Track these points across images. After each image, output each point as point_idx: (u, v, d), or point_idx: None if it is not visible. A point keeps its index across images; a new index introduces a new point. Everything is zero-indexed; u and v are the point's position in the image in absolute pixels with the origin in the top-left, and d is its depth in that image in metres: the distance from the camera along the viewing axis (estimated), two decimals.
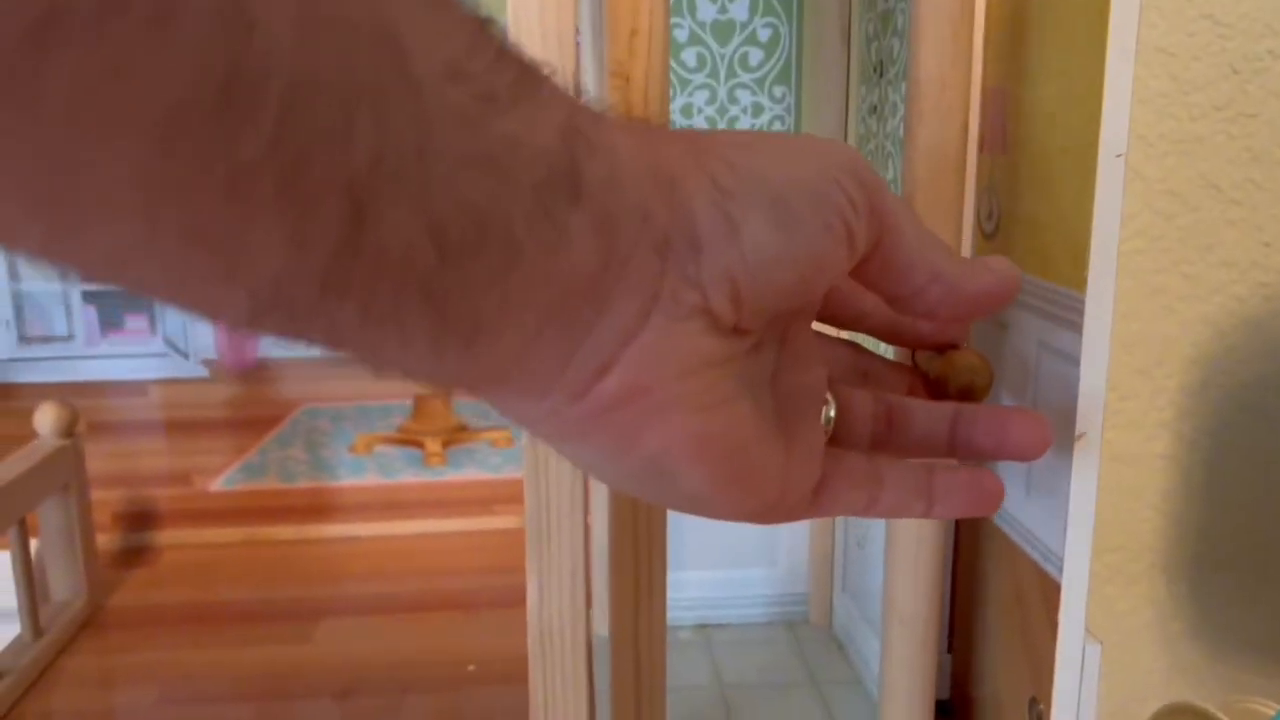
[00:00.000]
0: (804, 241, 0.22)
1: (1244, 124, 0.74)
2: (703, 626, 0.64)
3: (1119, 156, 0.39)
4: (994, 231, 0.65)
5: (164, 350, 0.65)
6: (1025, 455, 0.30)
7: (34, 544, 0.59)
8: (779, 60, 0.63)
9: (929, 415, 0.30)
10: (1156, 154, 0.73)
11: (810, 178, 0.22)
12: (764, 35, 0.63)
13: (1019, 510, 0.56)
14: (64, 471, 0.58)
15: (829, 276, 0.23)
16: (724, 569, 0.65)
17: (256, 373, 0.66)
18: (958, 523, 0.69)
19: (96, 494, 0.66)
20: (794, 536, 0.66)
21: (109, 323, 0.64)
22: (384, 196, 0.16)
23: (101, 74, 0.13)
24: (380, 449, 0.68)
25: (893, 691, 0.44)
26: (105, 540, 0.71)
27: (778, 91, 0.63)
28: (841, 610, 0.64)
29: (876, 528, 0.58)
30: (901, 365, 0.30)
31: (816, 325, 0.29)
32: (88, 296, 0.64)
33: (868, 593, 0.61)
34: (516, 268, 0.18)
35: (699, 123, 0.62)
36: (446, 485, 0.71)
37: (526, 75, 0.18)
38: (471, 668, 0.66)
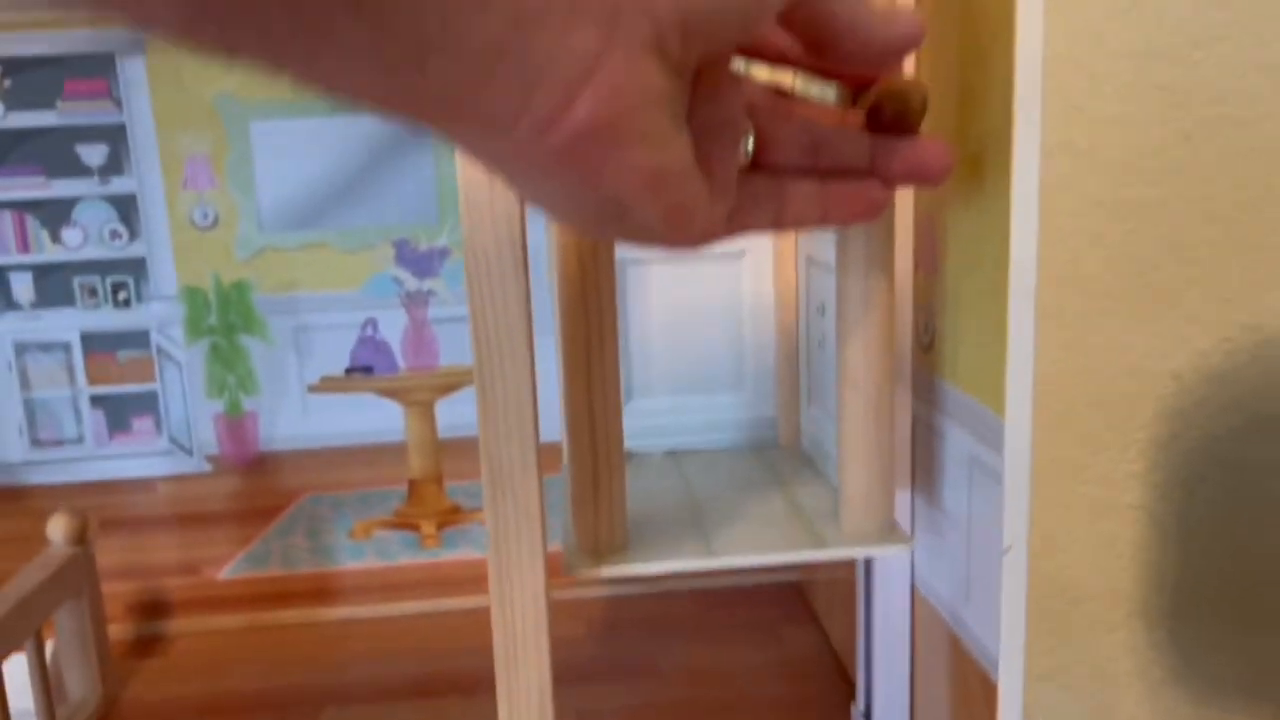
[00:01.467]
0: None
1: (1200, 187, 0.77)
2: (673, 453, 0.64)
3: (1028, 288, 0.41)
4: (929, 345, 0.68)
5: (169, 448, 0.68)
6: (932, 178, 0.34)
7: (49, 646, 0.62)
8: None
9: (851, 144, 0.33)
10: (1118, 218, 0.76)
11: None
12: None
13: (963, 613, 0.57)
14: (77, 578, 0.61)
15: (765, 20, 0.25)
16: (693, 395, 0.64)
17: (257, 465, 0.69)
18: (911, 617, 0.71)
19: (109, 587, 0.69)
20: (760, 360, 0.65)
21: (116, 425, 0.68)
22: None
23: None
24: (378, 533, 0.70)
25: (850, 455, 0.45)
26: (119, 630, 0.74)
27: None
28: (809, 426, 0.63)
29: (832, 326, 0.57)
30: (827, 106, 0.34)
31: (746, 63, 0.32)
32: (95, 401, 0.67)
33: (833, 401, 0.60)
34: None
35: None
36: (442, 565, 0.73)
37: None
38: None
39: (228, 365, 0.67)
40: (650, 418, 0.61)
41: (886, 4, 0.31)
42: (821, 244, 0.62)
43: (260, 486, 0.69)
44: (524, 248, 0.41)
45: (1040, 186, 0.67)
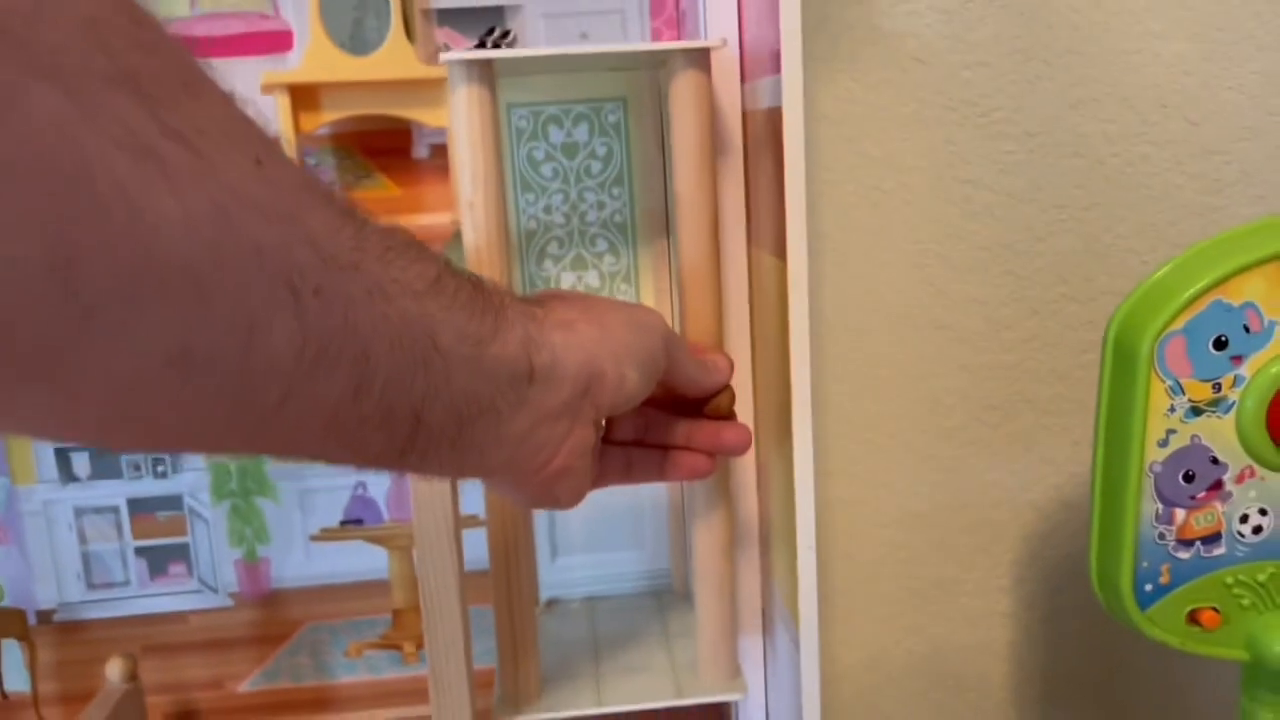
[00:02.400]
0: (650, 382, 0.42)
1: (1048, 352, 0.95)
2: (589, 599, 0.80)
3: (809, 550, 0.56)
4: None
5: (199, 588, 0.83)
6: (732, 449, 0.50)
7: None
8: (614, 169, 0.78)
9: (671, 425, 0.50)
10: (979, 379, 0.94)
11: (656, 344, 0.42)
12: (600, 151, 0.78)
13: None
14: (131, 711, 0.76)
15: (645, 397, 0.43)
16: (604, 552, 0.81)
17: (270, 600, 0.84)
18: None
19: (151, 699, 0.84)
20: (658, 525, 0.82)
21: (156, 570, 0.83)
22: (430, 408, 0.31)
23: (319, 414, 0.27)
24: (368, 653, 0.85)
25: (702, 622, 0.61)
26: None
27: (615, 191, 0.80)
28: (691, 580, 0.78)
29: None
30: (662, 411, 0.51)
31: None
32: (139, 551, 0.83)
33: None
34: (499, 423, 0.35)
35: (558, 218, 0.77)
36: (420, 678, 0.88)
37: (498, 314, 0.33)
38: None
39: (246, 521, 0.83)
40: (571, 571, 0.78)
41: (706, 360, 0.48)
42: None
43: (272, 617, 0.84)
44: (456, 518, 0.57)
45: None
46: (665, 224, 0.73)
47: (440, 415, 0.32)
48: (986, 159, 0.81)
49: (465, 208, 0.54)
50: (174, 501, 0.82)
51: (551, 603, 0.78)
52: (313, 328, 0.24)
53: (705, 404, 0.49)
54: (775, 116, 0.51)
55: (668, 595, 0.79)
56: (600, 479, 0.48)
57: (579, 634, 0.71)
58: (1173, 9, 0.79)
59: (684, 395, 0.49)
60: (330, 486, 0.83)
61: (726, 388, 0.50)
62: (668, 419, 0.50)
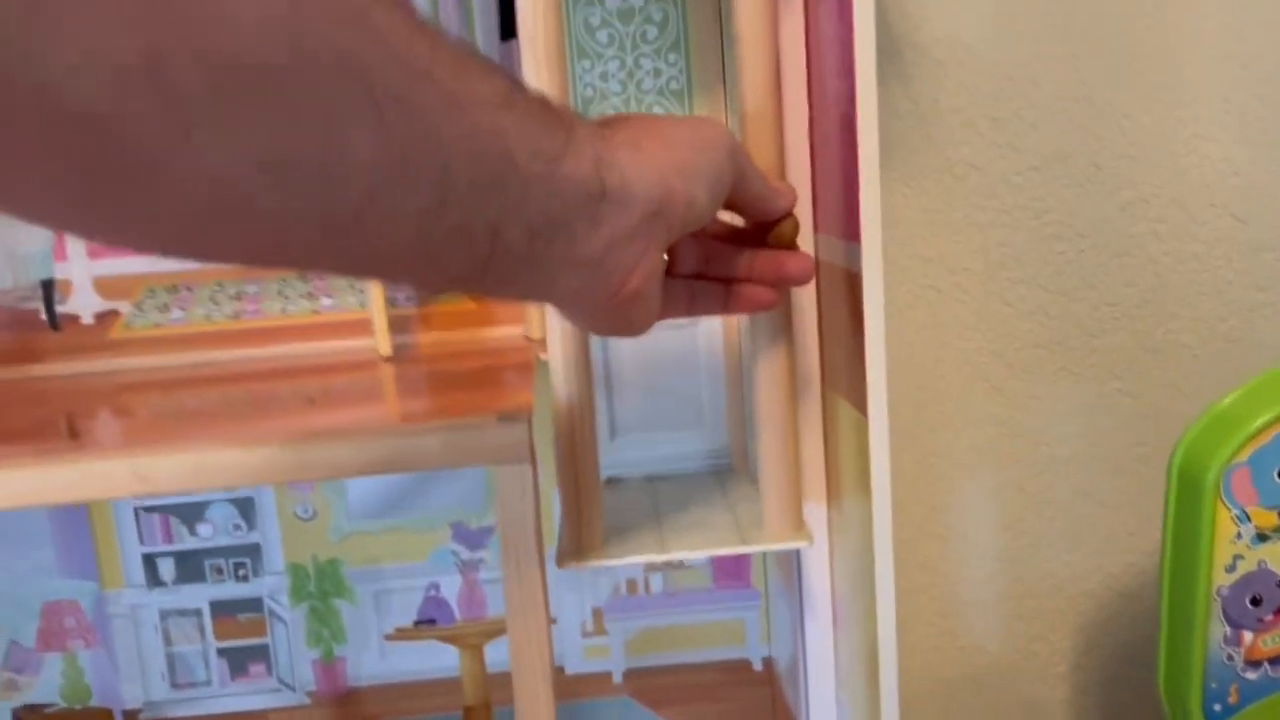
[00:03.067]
0: (718, 199, 0.42)
1: (1103, 445, 0.95)
2: (650, 478, 0.81)
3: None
4: None
5: (278, 687, 0.86)
6: (794, 279, 0.49)
7: None
8: (670, 35, 0.78)
9: (735, 257, 0.49)
10: (1035, 473, 0.95)
11: (722, 160, 0.40)
12: (657, 16, 0.78)
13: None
14: None
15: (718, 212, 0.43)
16: (663, 431, 0.81)
17: (347, 698, 0.87)
18: None
19: None
20: (715, 402, 0.83)
21: (237, 670, 0.86)
22: (507, 225, 0.31)
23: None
24: None
25: (767, 475, 0.61)
26: None
27: (671, 57, 0.80)
28: (752, 454, 0.78)
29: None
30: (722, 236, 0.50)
31: None
32: (221, 652, 0.86)
33: None
34: (573, 244, 0.34)
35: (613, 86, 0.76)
36: None
37: (569, 132, 0.33)
38: None
39: (323, 622, 0.86)
40: (630, 450, 0.79)
41: (774, 182, 0.49)
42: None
43: (348, 714, 0.87)
44: (539, 534, 0.59)
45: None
46: (723, 92, 0.73)
47: (517, 234, 0.32)
48: (1039, 259, 0.83)
49: (529, 73, 0.53)
50: (255, 604, 0.85)
51: (611, 481, 0.79)
52: (395, 135, 0.25)
53: (768, 234, 0.49)
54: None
55: (728, 473, 0.80)
56: (665, 311, 0.45)
57: (641, 503, 0.72)
58: (1220, 114, 0.81)
59: (749, 216, 0.48)
60: (405, 587, 0.86)
61: (790, 215, 0.49)
62: (730, 250, 0.49)
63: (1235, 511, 0.51)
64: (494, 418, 0.54)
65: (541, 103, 0.32)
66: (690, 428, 0.80)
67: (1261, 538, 0.52)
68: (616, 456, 0.79)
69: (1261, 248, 0.83)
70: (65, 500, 0.56)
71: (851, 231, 0.51)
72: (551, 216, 0.32)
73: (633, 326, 0.41)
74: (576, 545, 0.62)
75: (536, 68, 0.51)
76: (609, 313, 0.39)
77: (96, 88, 0.18)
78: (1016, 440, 0.88)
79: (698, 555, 0.64)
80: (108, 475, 0.53)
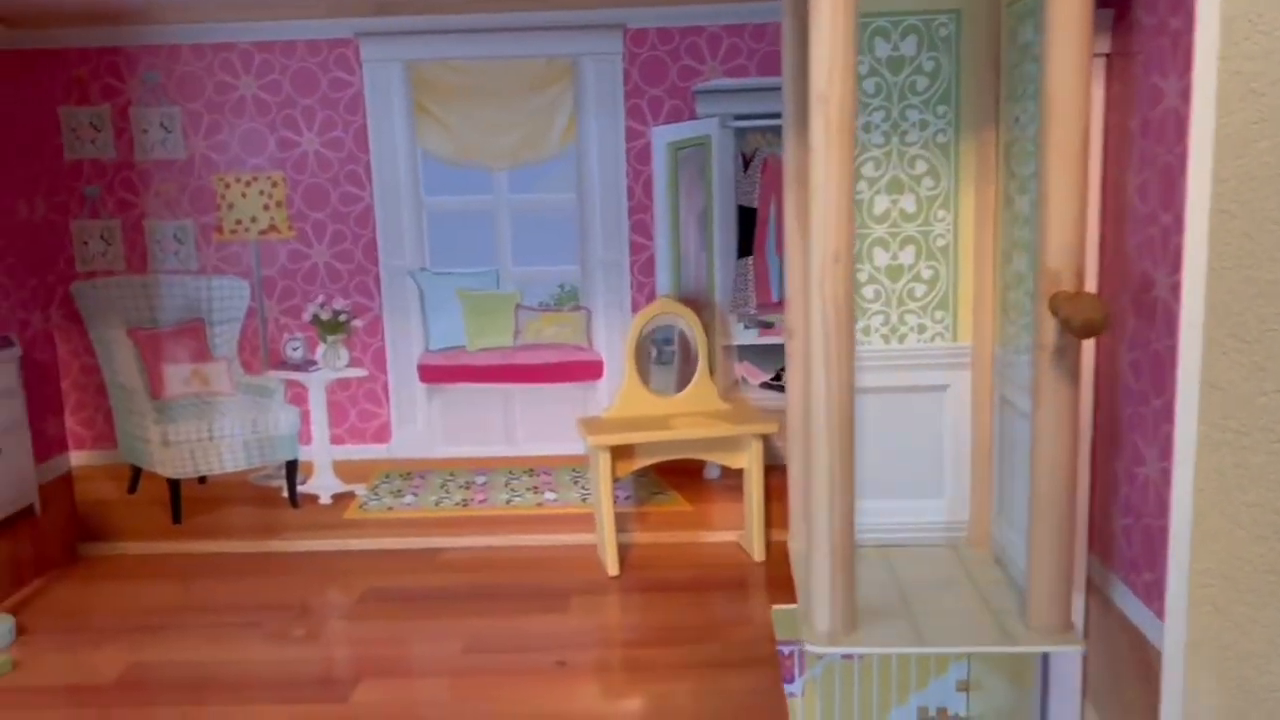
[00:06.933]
0: None
1: None
2: (883, 547, 0.71)
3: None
4: None
5: None
6: None
7: None
8: (941, 85, 0.72)
9: None
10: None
11: None
12: (928, 66, 0.72)
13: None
14: None
15: None
16: (900, 500, 0.72)
17: None
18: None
19: None
20: (958, 471, 0.72)
21: None
22: None
23: None
24: None
25: (1038, 564, 0.51)
26: None
27: (940, 109, 0.73)
28: (998, 533, 0.67)
29: (1024, 445, 0.57)
30: None
31: None
32: None
33: (1021, 514, 0.62)
34: None
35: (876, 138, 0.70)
36: None
37: None
38: None
39: None
40: (867, 515, 0.71)
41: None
42: (1013, 387, 0.67)
43: None
44: None
45: None
46: (994, 147, 0.68)
47: None
48: (1277, 482, 0.82)
49: (817, 105, 0.51)
50: None
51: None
52: None
53: None
54: None
55: (965, 548, 0.72)
56: None
57: (879, 578, 0.66)
58: None
59: None
60: None
61: (1096, 301, 0.45)
62: None
63: None
64: None
65: None
66: (929, 497, 0.76)
67: None
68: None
69: None
70: None
71: None
72: None
73: None
74: (829, 630, 0.58)
75: (827, 134, 0.52)
76: None
77: None
78: None
79: (956, 650, 0.59)
80: None
